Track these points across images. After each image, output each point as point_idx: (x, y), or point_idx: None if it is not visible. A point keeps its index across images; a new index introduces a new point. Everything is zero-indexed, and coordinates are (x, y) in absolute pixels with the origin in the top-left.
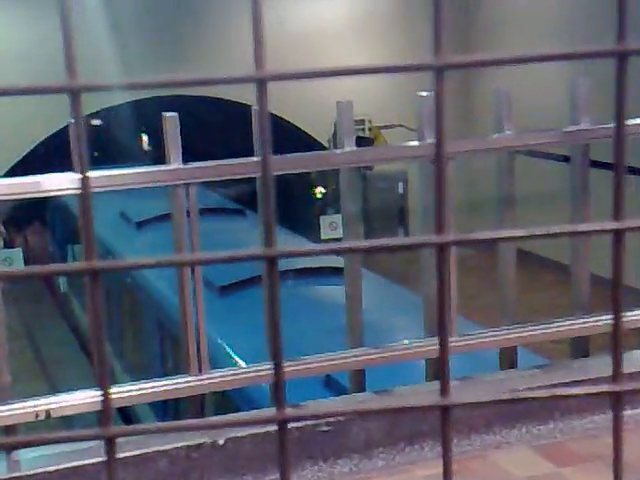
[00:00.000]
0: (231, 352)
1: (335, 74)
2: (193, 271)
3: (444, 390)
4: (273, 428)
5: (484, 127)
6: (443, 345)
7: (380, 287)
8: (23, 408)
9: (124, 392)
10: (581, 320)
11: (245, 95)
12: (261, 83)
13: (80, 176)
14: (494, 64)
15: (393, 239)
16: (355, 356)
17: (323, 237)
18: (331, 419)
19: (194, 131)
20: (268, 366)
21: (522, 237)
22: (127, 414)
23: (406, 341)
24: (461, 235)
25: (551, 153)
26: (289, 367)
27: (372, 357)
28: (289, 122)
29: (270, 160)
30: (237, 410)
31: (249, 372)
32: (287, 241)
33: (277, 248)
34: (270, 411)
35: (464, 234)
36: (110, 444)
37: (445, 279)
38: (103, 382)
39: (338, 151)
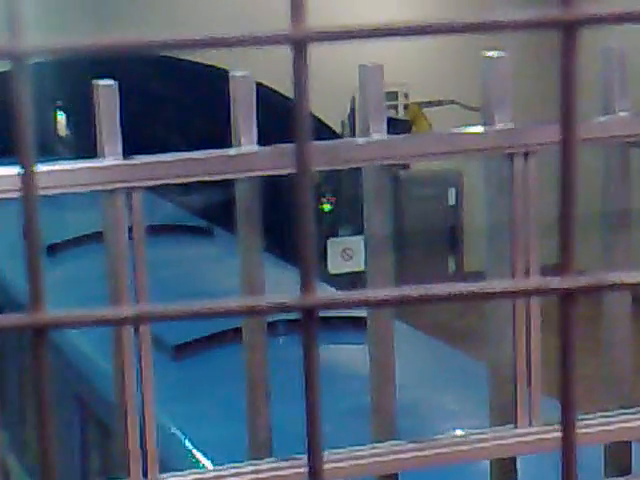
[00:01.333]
0: (191, 446)
1: (399, 33)
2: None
3: None
4: None
5: (584, 105)
6: (568, 454)
7: (421, 348)
8: None
9: None
10: None
11: (217, 55)
12: (299, 45)
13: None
14: None
15: (480, 285)
16: (383, 454)
17: (332, 271)
18: None
19: (141, 108)
20: (248, 468)
21: None
22: None
23: (460, 431)
24: (591, 278)
25: None
26: (278, 469)
27: (409, 456)
28: (283, 96)
29: (309, 160)
30: None
31: (220, 476)
32: (277, 275)
33: (317, 295)
34: None
35: (592, 276)
36: None
37: (572, 345)
38: None
39: (359, 140)
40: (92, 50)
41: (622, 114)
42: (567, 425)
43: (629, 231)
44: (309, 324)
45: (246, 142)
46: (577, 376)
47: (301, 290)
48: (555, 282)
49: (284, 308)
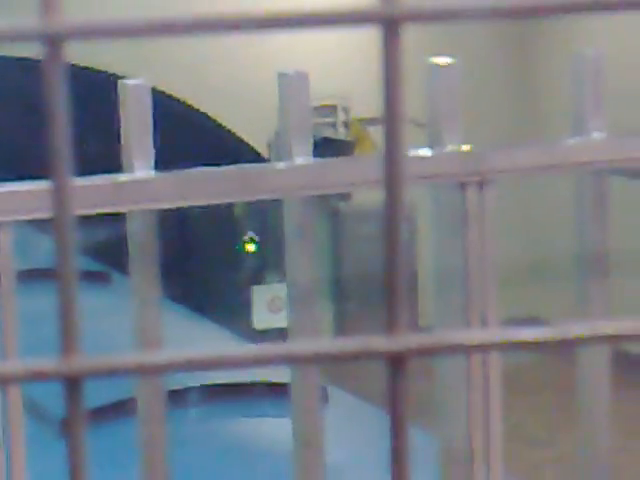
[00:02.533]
0: None
1: (203, 27)
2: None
3: None
4: None
5: (552, 125)
6: None
7: (358, 419)
8: None
9: None
10: None
11: (106, 59)
12: (54, 41)
13: None
14: (504, 15)
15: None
16: None
17: (258, 326)
18: None
19: (7, 124)
20: None
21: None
22: None
23: None
24: (425, 338)
25: None
26: None
27: None
28: (203, 113)
29: (68, 191)
30: None
31: None
32: (182, 329)
33: (82, 359)
34: None
35: (426, 335)
36: None
37: (402, 423)
38: None
39: (279, 165)
40: None
41: (597, 135)
42: None
43: (606, 272)
44: (74, 398)
45: (140, 167)
46: (549, 456)
47: (63, 352)
48: (380, 343)
49: (38, 376)
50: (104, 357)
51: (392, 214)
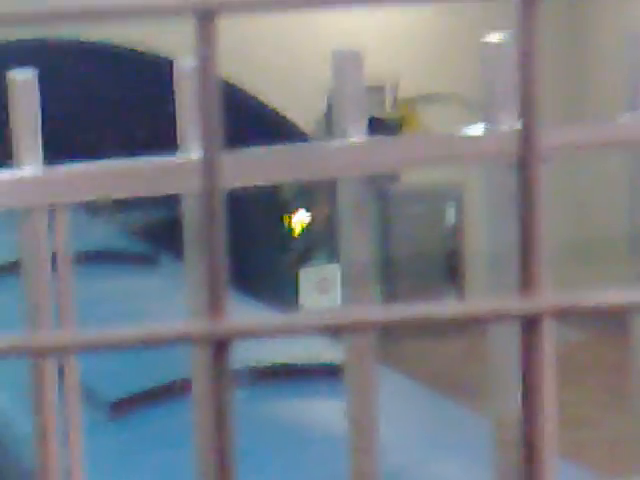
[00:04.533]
0: None
1: (336, 2)
2: (62, 373)
3: None
4: None
5: (605, 103)
6: None
7: (411, 401)
8: None
9: None
10: None
11: (158, 41)
12: (205, 18)
13: None
14: None
15: (436, 306)
16: None
17: (306, 306)
18: None
19: (65, 106)
20: None
21: None
22: None
23: None
24: (563, 298)
25: None
26: None
27: None
28: (247, 94)
29: (219, 166)
30: None
31: None
32: (236, 313)
33: (229, 321)
34: None
35: (573, 296)
36: None
37: (538, 387)
38: None
39: (333, 144)
40: None
41: None
42: None
43: None
44: (221, 361)
45: (194, 148)
46: (603, 437)
47: (208, 315)
48: (516, 304)
49: (186, 337)
50: (250, 320)
51: (528, 169)
